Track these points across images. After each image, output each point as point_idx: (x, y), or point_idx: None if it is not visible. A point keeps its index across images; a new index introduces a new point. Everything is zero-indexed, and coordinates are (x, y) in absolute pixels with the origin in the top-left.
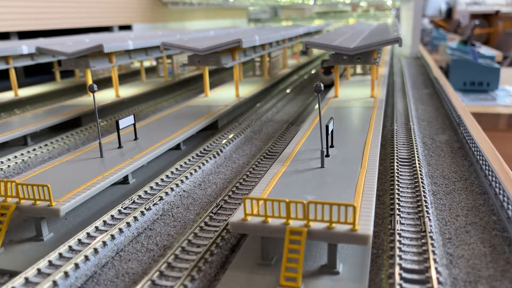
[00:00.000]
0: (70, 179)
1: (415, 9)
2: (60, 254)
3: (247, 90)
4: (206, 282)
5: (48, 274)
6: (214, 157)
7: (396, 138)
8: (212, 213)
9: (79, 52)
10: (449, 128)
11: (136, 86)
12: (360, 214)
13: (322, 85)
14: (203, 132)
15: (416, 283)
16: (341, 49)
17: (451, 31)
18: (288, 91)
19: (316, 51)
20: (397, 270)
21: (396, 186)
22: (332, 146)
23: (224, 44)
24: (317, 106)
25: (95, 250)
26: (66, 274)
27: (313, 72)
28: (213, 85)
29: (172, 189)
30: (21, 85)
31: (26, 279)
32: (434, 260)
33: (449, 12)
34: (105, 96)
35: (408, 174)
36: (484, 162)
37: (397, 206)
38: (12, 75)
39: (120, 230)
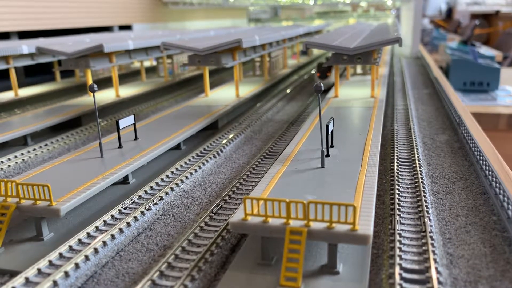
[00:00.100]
0: (70, 179)
1: (415, 9)
2: (60, 254)
3: (247, 90)
4: (206, 282)
5: (49, 274)
6: (214, 157)
7: (396, 138)
8: (212, 213)
9: (79, 52)
10: (449, 128)
11: (136, 86)
12: (360, 214)
13: (322, 85)
14: (203, 132)
15: (416, 283)
16: (341, 49)
17: (451, 31)
18: (288, 91)
19: (316, 51)
20: (397, 270)
21: (396, 186)
22: (332, 146)
23: (224, 44)
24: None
25: (95, 250)
26: (67, 274)
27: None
28: (213, 85)
29: (172, 189)
30: (21, 85)
31: (27, 279)
32: (434, 260)
33: (449, 12)
34: (105, 96)
35: (408, 174)
36: (484, 162)
37: (397, 206)
38: (12, 75)
39: (120, 230)
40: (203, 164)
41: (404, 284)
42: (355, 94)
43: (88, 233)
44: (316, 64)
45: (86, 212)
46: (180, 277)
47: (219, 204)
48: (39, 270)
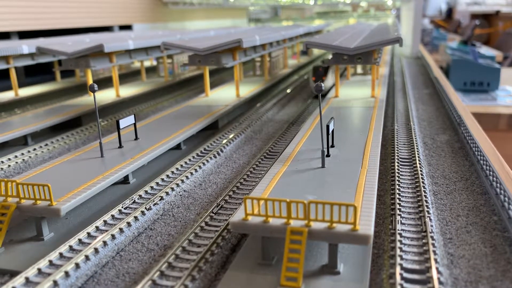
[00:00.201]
0: (71, 178)
1: (416, 9)
2: (61, 254)
3: (247, 90)
4: (206, 282)
5: (49, 274)
6: (215, 157)
7: (397, 138)
8: (213, 213)
9: (80, 52)
10: (450, 128)
11: (137, 86)
12: (361, 214)
13: (322, 84)
14: (203, 132)
15: (417, 283)
16: (341, 49)
17: (451, 31)
18: (288, 91)
19: (316, 51)
20: (398, 270)
21: (397, 186)
22: (332, 146)
23: (225, 44)
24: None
25: (96, 250)
26: (67, 274)
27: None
28: (213, 85)
29: (172, 189)
30: (21, 84)
31: (27, 278)
32: (435, 260)
33: (450, 12)
34: (106, 96)
35: (409, 174)
36: (484, 162)
37: (398, 206)
38: (13, 74)
39: (121, 229)
40: (204, 164)
41: (405, 284)
42: (355, 94)
43: (88, 233)
44: (312, 68)
45: (87, 212)
46: (180, 277)
47: (219, 204)
48: (39, 270)
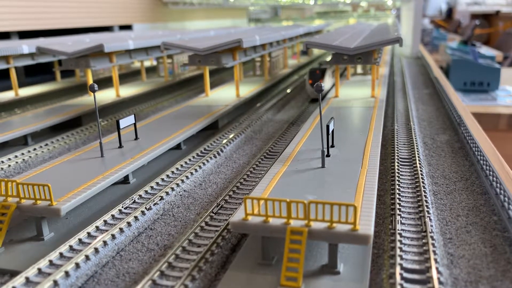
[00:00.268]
0: (71, 178)
1: (416, 9)
2: (61, 254)
3: (247, 90)
4: (206, 282)
5: (49, 274)
6: (215, 156)
7: (397, 138)
8: (213, 212)
9: (80, 52)
10: (450, 128)
11: (137, 86)
12: (361, 214)
13: (322, 84)
14: (203, 132)
15: (417, 283)
16: (341, 49)
17: (451, 31)
18: (288, 91)
19: (316, 51)
20: (398, 270)
21: (397, 186)
22: (332, 146)
23: (225, 44)
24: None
25: (96, 250)
26: (67, 274)
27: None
28: (213, 85)
29: (172, 188)
30: (21, 84)
31: (27, 278)
32: (435, 260)
33: (450, 12)
34: (106, 95)
35: (409, 174)
36: (484, 162)
37: (397, 206)
38: (13, 74)
39: (121, 229)
40: (204, 164)
41: (405, 284)
42: (355, 94)
43: (88, 233)
44: (308, 70)
45: (87, 211)
46: (180, 277)
47: (219, 204)
48: (39, 270)
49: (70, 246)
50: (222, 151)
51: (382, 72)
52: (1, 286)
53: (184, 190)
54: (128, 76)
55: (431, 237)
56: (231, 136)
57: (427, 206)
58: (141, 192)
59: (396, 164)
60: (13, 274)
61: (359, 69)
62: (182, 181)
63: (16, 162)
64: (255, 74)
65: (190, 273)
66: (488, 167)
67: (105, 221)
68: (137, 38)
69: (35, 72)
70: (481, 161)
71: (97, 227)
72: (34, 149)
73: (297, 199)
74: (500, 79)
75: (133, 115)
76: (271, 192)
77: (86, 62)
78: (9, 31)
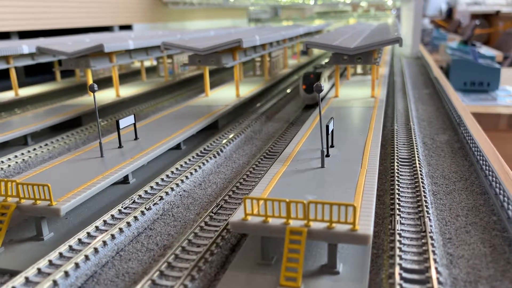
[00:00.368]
0: (71, 178)
1: (416, 9)
2: (61, 254)
3: (247, 90)
4: (206, 282)
5: (49, 274)
6: (214, 156)
7: (397, 138)
8: (212, 212)
9: (80, 52)
10: (450, 128)
11: (137, 86)
12: (360, 214)
13: (322, 84)
14: (203, 132)
15: (416, 283)
16: (341, 49)
17: (451, 31)
18: (288, 91)
19: (316, 51)
20: (397, 270)
21: (397, 186)
22: (332, 146)
23: (225, 44)
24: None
25: (95, 250)
26: (67, 274)
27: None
28: (213, 85)
29: (172, 188)
30: (21, 84)
31: (27, 278)
32: (434, 260)
33: (450, 12)
34: (106, 95)
35: (409, 174)
36: (484, 162)
37: (397, 206)
38: (13, 74)
39: (120, 229)
40: (203, 164)
41: (404, 284)
42: (355, 94)
43: (88, 233)
44: (303, 75)
45: (86, 212)
46: (180, 277)
47: (219, 204)
48: (39, 269)
49: (70, 246)
50: (222, 151)
51: (382, 72)
52: (1, 286)
53: (184, 190)
54: (128, 76)
55: (431, 237)
56: (231, 136)
57: (426, 206)
58: (141, 192)
59: (395, 164)
60: (13, 274)
61: (359, 69)
62: (182, 181)
63: (16, 162)
64: (255, 74)
65: (189, 273)
66: (487, 167)
67: (104, 221)
68: (137, 38)
69: (35, 72)
70: (481, 161)
71: (96, 227)
72: (34, 149)
73: (297, 199)
74: (500, 79)
75: (133, 115)
76: (271, 192)
77: (86, 62)
78: (9, 31)
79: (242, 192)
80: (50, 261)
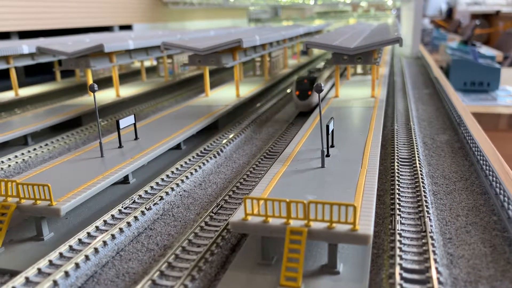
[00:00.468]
0: (71, 178)
1: (416, 9)
2: (61, 254)
3: (247, 90)
4: (206, 281)
5: (49, 274)
6: (215, 156)
7: (397, 138)
8: (213, 212)
9: (80, 52)
10: (450, 128)
11: (137, 86)
12: (361, 214)
13: (322, 84)
14: (203, 132)
15: (417, 283)
16: (341, 49)
17: (451, 31)
18: (288, 91)
19: (316, 51)
20: (397, 270)
21: (397, 186)
22: (332, 146)
23: (225, 44)
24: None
25: (96, 250)
26: (67, 274)
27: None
28: (213, 85)
29: (172, 188)
30: (21, 84)
31: (27, 278)
32: (435, 260)
33: (450, 12)
34: (106, 95)
35: (409, 174)
36: (484, 162)
37: (397, 206)
38: (13, 74)
39: (121, 229)
40: (203, 164)
41: (404, 284)
42: (355, 94)
43: (88, 233)
44: (295, 80)
45: (86, 212)
46: (180, 277)
47: (219, 204)
48: (39, 269)
49: (70, 246)
50: (222, 151)
51: (382, 72)
52: (1, 286)
53: (184, 190)
54: (128, 76)
55: (431, 237)
56: (231, 136)
57: (426, 206)
58: (141, 192)
59: (396, 164)
60: (13, 274)
61: (359, 69)
62: (182, 181)
63: (16, 162)
64: (255, 74)
65: (189, 273)
66: (487, 167)
67: (105, 221)
68: (137, 38)
69: (35, 72)
70: (481, 161)
71: (97, 227)
72: (34, 149)
73: (297, 199)
74: (500, 79)
75: (133, 115)
76: (271, 192)
77: (86, 62)
78: (9, 31)
79: (242, 192)
80: (50, 261)
